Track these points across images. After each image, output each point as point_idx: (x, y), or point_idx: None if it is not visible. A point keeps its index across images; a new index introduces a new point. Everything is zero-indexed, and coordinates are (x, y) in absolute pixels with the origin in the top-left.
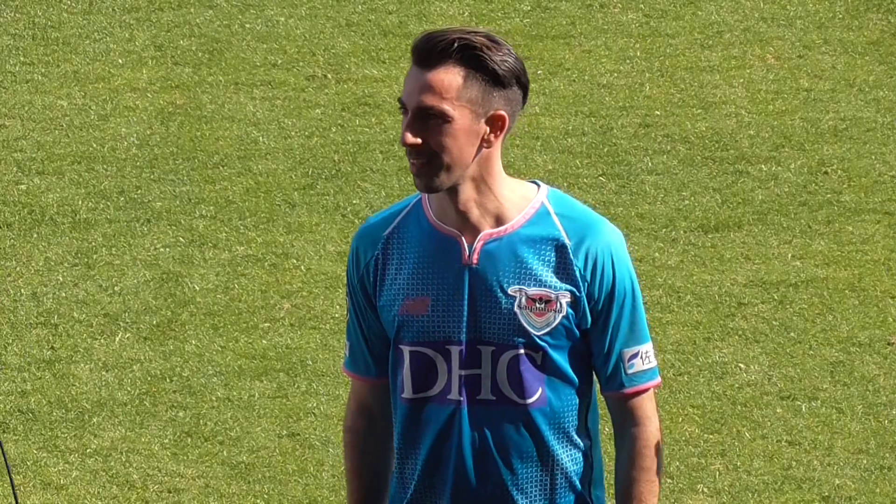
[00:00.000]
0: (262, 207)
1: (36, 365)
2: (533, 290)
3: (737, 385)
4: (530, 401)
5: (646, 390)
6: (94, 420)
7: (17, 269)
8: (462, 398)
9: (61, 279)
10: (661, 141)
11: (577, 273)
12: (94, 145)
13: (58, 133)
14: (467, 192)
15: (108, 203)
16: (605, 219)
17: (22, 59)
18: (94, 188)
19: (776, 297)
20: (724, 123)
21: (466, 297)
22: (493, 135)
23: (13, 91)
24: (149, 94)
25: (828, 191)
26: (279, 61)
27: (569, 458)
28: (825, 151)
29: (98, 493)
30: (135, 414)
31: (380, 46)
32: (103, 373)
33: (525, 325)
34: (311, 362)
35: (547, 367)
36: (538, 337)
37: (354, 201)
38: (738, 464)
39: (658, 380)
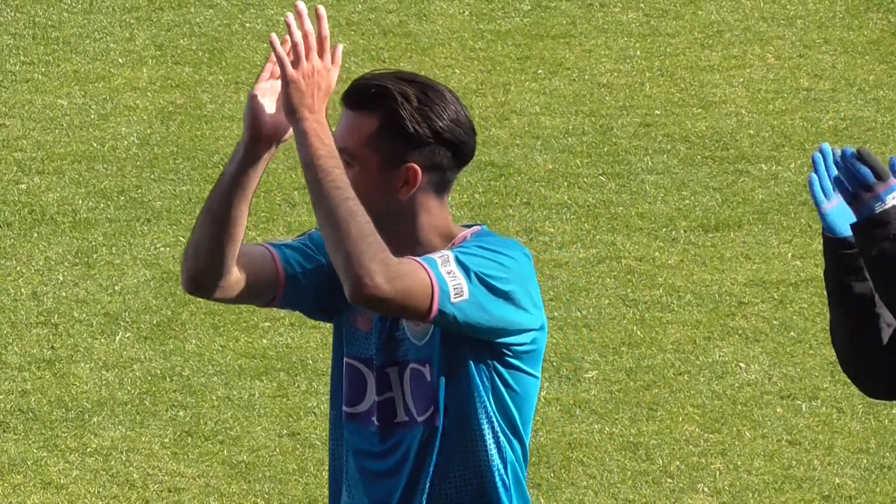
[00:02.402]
0: (261, 207)
1: (36, 364)
2: None
3: (737, 384)
4: (425, 417)
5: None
6: (95, 419)
7: (17, 268)
8: (379, 423)
9: (61, 278)
10: (661, 140)
11: None
12: (95, 145)
13: (58, 132)
14: (388, 244)
15: (109, 202)
16: (512, 242)
17: (22, 58)
18: (95, 187)
19: (776, 297)
20: (725, 123)
21: (378, 326)
22: (404, 188)
23: (13, 90)
24: (149, 94)
25: None
26: None
27: (476, 481)
28: None
29: (98, 492)
30: (135, 413)
31: (380, 46)
32: (103, 372)
33: (410, 337)
34: (311, 362)
35: (438, 380)
36: (421, 348)
37: None
38: (739, 463)
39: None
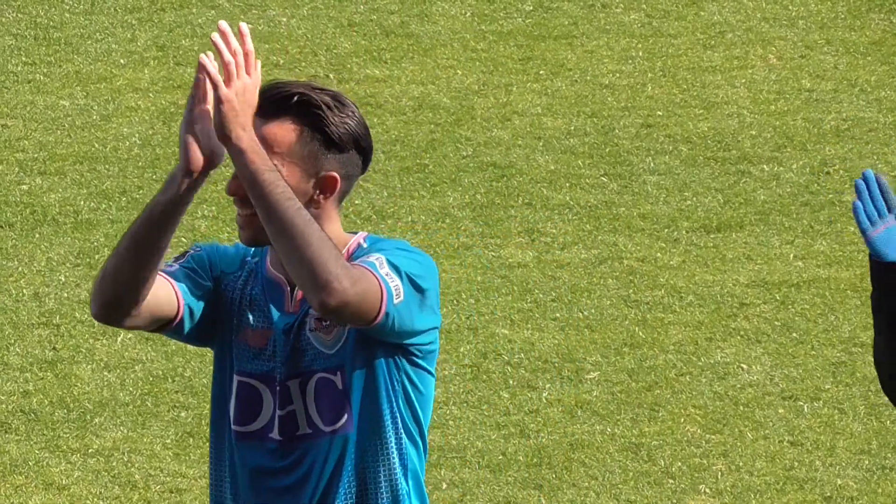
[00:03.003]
0: None
1: (38, 365)
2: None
3: (739, 385)
4: (335, 427)
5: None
6: (97, 420)
7: (19, 269)
8: (281, 438)
9: (63, 279)
10: (663, 141)
11: None
12: (96, 145)
13: (60, 133)
14: None
15: (111, 203)
16: (407, 243)
17: (24, 59)
18: (97, 188)
19: (778, 298)
20: (726, 124)
21: (282, 339)
22: (322, 196)
23: (15, 91)
24: (151, 95)
25: (830, 191)
26: (281, 62)
27: (386, 484)
28: (827, 152)
29: (100, 493)
30: (137, 414)
31: (382, 47)
32: (105, 373)
33: (318, 346)
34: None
35: (351, 388)
36: (332, 356)
37: (356, 201)
38: (741, 464)
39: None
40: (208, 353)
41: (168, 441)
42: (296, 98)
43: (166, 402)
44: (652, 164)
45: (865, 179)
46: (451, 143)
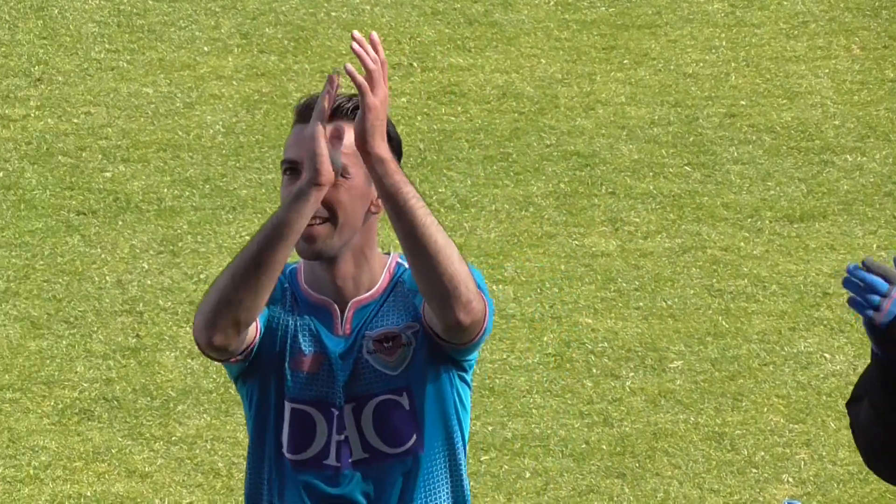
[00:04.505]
0: None
1: (121, 353)
2: (376, 332)
3: (822, 375)
4: (402, 449)
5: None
6: (179, 408)
7: (103, 256)
8: (339, 464)
9: (146, 267)
10: (746, 131)
11: (414, 301)
12: (180, 133)
13: (143, 121)
14: (346, 267)
15: (194, 191)
16: None
17: (107, 46)
18: (180, 176)
19: None
20: (810, 114)
21: (339, 364)
22: (380, 200)
23: (98, 78)
24: (234, 82)
25: None
26: None
27: (455, 492)
28: None
29: (183, 480)
30: (220, 402)
31: (465, 35)
32: (188, 361)
33: (380, 368)
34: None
35: (420, 407)
36: (396, 377)
37: (440, 190)
38: (823, 454)
39: None
40: None
41: None
42: (352, 102)
43: None
44: (735, 154)
45: (851, 273)
46: (535, 132)
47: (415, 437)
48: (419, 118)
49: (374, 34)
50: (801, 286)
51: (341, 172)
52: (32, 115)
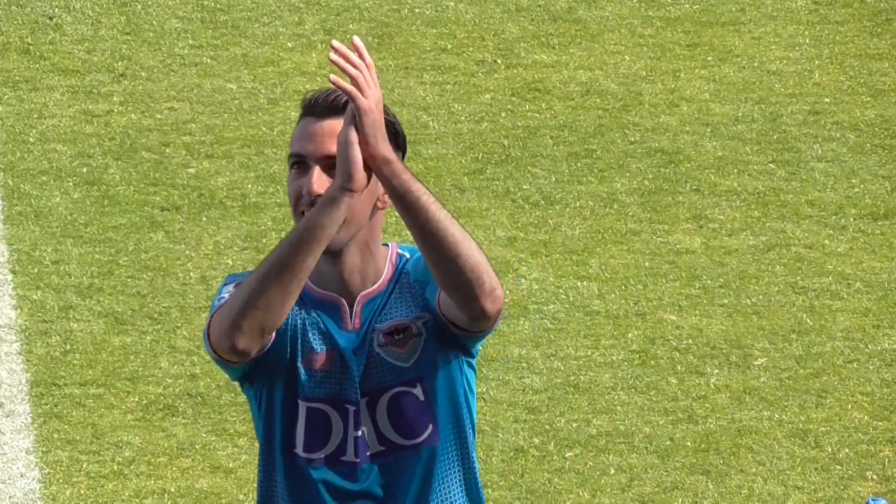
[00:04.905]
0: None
1: (205, 349)
2: (385, 325)
3: None
4: (418, 440)
5: None
6: None
7: (187, 252)
8: (357, 459)
9: (231, 263)
10: (830, 128)
11: (423, 292)
12: (264, 129)
13: (227, 116)
14: (353, 260)
15: (278, 187)
16: None
17: (191, 41)
18: (264, 172)
19: None
20: (894, 111)
21: (351, 359)
22: (386, 195)
23: (182, 74)
24: (318, 78)
25: None
26: (449, 46)
27: (467, 492)
28: None
29: None
30: None
31: (549, 32)
32: None
33: (392, 360)
34: (480, 347)
35: (433, 397)
36: (408, 368)
37: (524, 186)
38: None
39: None
40: None
41: None
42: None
43: None
44: (819, 151)
45: None
46: (619, 128)
47: (430, 427)
48: (503, 115)
49: (357, 39)
50: (886, 283)
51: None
52: (116, 110)
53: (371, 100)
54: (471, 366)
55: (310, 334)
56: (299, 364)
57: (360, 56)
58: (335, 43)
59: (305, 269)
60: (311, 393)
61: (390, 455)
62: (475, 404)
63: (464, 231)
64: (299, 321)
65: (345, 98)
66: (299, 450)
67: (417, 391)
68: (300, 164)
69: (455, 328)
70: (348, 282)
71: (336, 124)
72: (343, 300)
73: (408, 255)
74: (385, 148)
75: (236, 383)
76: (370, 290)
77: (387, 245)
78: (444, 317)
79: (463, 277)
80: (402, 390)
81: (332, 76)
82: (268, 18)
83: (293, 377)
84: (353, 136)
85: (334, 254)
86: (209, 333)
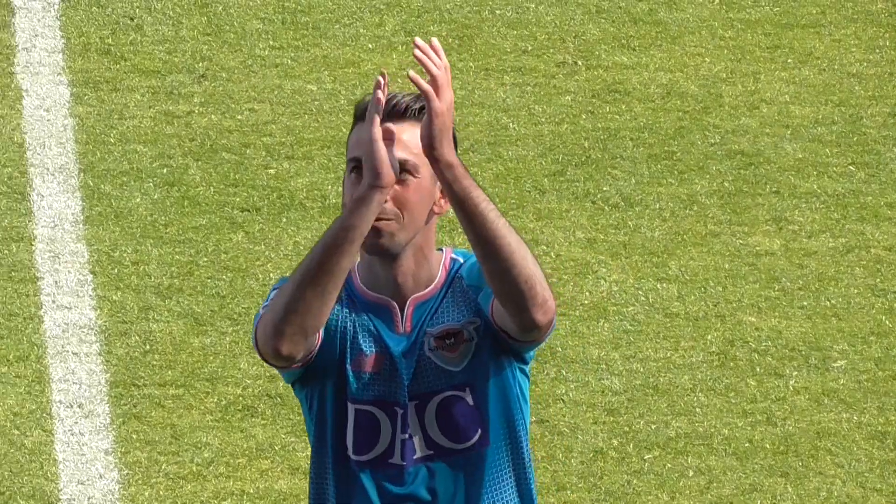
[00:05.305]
0: (511, 194)
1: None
2: (437, 329)
3: None
4: (467, 444)
5: None
6: None
7: (266, 253)
8: (404, 462)
9: None
10: None
11: (476, 297)
12: (344, 130)
13: (307, 118)
14: (408, 263)
15: None
16: None
17: (271, 43)
18: (344, 173)
19: None
20: None
21: (401, 362)
22: (443, 200)
23: (262, 75)
24: (398, 80)
25: None
26: (529, 48)
27: (520, 496)
28: None
29: None
30: None
31: (630, 34)
32: None
33: (442, 364)
34: (560, 349)
35: (483, 402)
36: (458, 373)
37: (604, 188)
38: None
39: None
40: None
41: None
42: (418, 103)
43: None
44: None
45: None
46: (699, 130)
47: (479, 431)
48: (583, 116)
49: (435, 41)
50: None
51: (411, 171)
52: (196, 111)
53: (444, 103)
54: (524, 372)
55: (359, 337)
56: (348, 366)
57: (440, 57)
58: (419, 41)
59: (341, 271)
60: (359, 395)
61: (438, 459)
62: (528, 409)
63: (521, 241)
64: (349, 323)
65: (404, 104)
66: (349, 452)
67: (467, 396)
68: (358, 168)
69: (506, 336)
70: (401, 285)
71: (400, 129)
72: (395, 303)
73: (461, 260)
74: (449, 152)
75: (289, 385)
76: (422, 293)
77: (441, 249)
78: (495, 324)
79: (516, 287)
80: (452, 395)
81: (412, 72)
82: (348, 20)
83: (342, 379)
84: (378, 134)
85: (391, 257)
86: (256, 340)
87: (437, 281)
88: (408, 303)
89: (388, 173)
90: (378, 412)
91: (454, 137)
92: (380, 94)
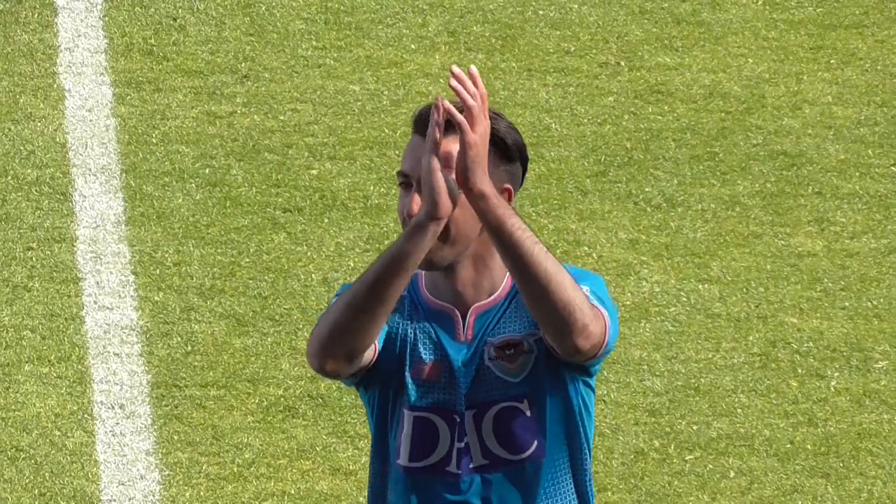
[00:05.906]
0: (553, 194)
1: None
2: (498, 339)
3: None
4: (523, 455)
5: None
6: None
7: (308, 254)
8: (459, 471)
9: (352, 265)
10: None
11: None
12: (387, 131)
13: (349, 118)
14: (466, 273)
15: None
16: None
17: (314, 43)
18: (386, 174)
19: None
20: None
21: (461, 371)
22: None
23: (305, 76)
24: (441, 80)
25: None
26: (572, 48)
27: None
28: None
29: None
30: None
31: (673, 34)
32: None
33: (501, 375)
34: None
35: (541, 414)
36: (517, 384)
37: (647, 189)
38: None
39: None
40: None
41: None
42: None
43: None
44: None
45: None
46: (742, 131)
47: (536, 443)
48: (626, 117)
49: (474, 68)
50: None
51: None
52: (239, 111)
53: (478, 133)
54: (588, 385)
55: (420, 344)
56: (407, 373)
57: (476, 85)
58: (455, 69)
59: (392, 297)
60: (417, 402)
61: (493, 469)
62: (592, 422)
63: (559, 267)
64: (410, 330)
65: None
66: (403, 458)
67: (525, 407)
68: (406, 184)
69: (557, 355)
70: (462, 293)
71: (446, 143)
72: (457, 311)
73: None
74: (483, 182)
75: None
76: (484, 302)
77: None
78: (546, 342)
79: (554, 314)
80: (510, 405)
81: (442, 99)
82: (391, 20)
83: (401, 386)
84: (436, 164)
85: (448, 268)
86: (307, 351)
87: (500, 290)
88: (470, 311)
89: (446, 203)
90: (437, 419)
91: (514, 146)
92: (439, 118)
